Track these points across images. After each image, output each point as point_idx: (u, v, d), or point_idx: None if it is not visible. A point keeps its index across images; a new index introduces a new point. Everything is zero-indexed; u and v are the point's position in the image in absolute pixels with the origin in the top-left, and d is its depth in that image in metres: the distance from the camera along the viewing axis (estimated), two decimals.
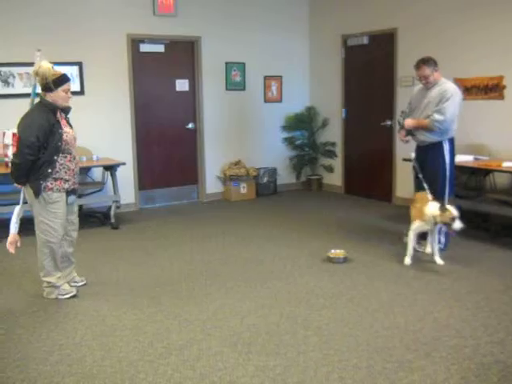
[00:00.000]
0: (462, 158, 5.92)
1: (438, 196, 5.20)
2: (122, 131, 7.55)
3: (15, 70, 6.80)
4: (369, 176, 8.30)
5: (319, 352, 3.42)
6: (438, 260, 5.12)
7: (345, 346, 3.50)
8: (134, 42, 7.60)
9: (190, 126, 8.29)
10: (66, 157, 4.19)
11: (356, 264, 5.16)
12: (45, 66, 4.11)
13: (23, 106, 6.71)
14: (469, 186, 6.25)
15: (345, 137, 8.70)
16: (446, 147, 5.31)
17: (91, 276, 4.84)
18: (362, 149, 8.43)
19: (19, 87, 6.86)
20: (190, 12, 7.92)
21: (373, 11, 7.90)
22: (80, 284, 4.61)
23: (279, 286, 4.62)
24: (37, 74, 4.12)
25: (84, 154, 6.91)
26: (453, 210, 4.77)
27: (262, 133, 8.84)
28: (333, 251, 5.31)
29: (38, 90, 4.34)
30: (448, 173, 5.32)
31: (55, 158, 4.11)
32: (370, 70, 8.14)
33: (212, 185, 8.51)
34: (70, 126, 4.38)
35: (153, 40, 7.78)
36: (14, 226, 4.25)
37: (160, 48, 7.86)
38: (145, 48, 7.72)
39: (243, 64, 8.51)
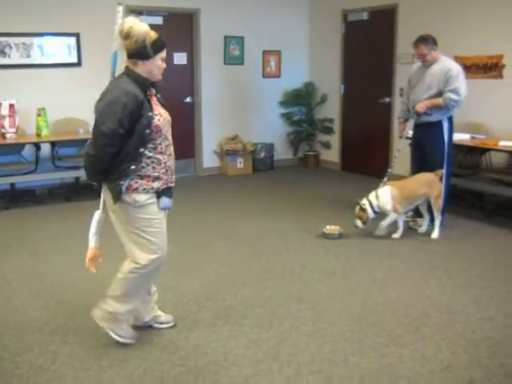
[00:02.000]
0: (458, 137, 5.92)
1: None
2: None
3: (12, 40, 6.74)
4: (366, 153, 8.30)
5: (312, 325, 3.47)
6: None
7: (337, 319, 3.55)
8: (133, 14, 7.48)
9: (188, 99, 8.25)
10: (155, 148, 3.04)
11: (350, 240, 5.20)
12: (140, 24, 3.03)
13: (20, 78, 6.78)
14: (465, 164, 6.26)
15: (343, 113, 8.69)
16: (446, 126, 5.31)
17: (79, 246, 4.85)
18: (359, 125, 8.42)
19: (16, 57, 6.80)
20: None
21: None
22: (166, 326, 3.47)
23: (274, 261, 4.66)
24: (127, 35, 2.97)
25: (81, 126, 6.91)
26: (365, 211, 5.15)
27: (259, 108, 8.80)
28: (328, 227, 5.35)
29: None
30: (446, 151, 5.33)
31: (141, 150, 2.96)
32: (369, 46, 8.09)
33: (209, 159, 8.51)
34: (163, 105, 3.25)
35: (151, 12, 7.70)
36: (93, 238, 3.24)
37: (158, 20, 7.78)
38: (143, 20, 7.55)
39: (242, 38, 8.44)
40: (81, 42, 7.16)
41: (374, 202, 5.17)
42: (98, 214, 3.27)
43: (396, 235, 5.26)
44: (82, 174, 6.88)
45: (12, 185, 6.74)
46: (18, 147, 6.63)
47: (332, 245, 5.08)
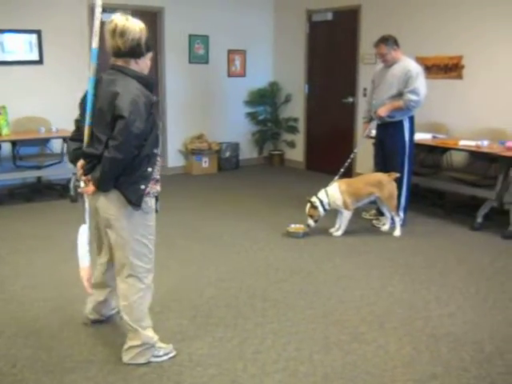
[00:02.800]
0: (420, 136, 6.02)
1: (397, 172, 5.33)
2: None
3: None
4: (330, 152, 8.37)
5: (277, 324, 3.49)
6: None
7: (302, 318, 3.58)
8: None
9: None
10: (157, 150, 2.93)
11: (315, 239, 5.24)
12: (134, 21, 2.82)
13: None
14: (426, 163, 6.38)
15: (307, 113, 8.74)
16: (406, 125, 5.39)
17: (53, 247, 4.79)
18: (323, 125, 8.49)
19: None
20: None
21: None
22: (116, 311, 3.44)
23: (238, 260, 4.67)
24: (122, 32, 2.76)
25: (43, 124, 6.79)
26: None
27: (225, 107, 8.80)
28: (292, 226, 5.38)
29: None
30: (407, 150, 5.42)
31: (155, 151, 2.87)
32: (333, 46, 8.17)
33: (174, 158, 8.47)
34: None
35: (114, 9, 7.60)
36: (85, 257, 3.10)
37: None
38: (105, 17, 7.50)
39: (207, 37, 8.42)
40: (42, 39, 7.03)
41: (325, 200, 5.25)
42: (85, 230, 3.11)
43: (337, 233, 5.34)
44: (43, 173, 6.78)
45: None
46: None
47: (297, 243, 5.11)
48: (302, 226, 5.38)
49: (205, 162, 8.40)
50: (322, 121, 8.52)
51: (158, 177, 2.97)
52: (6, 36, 6.83)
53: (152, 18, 7.97)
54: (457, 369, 2.98)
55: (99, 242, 3.22)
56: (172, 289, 4.04)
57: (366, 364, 3.03)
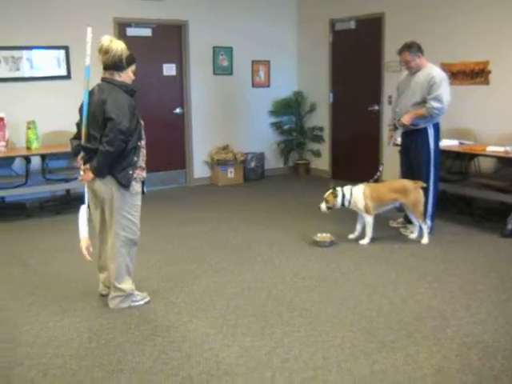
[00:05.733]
0: (447, 143, 5.97)
1: (423, 181, 5.29)
2: None
3: (1, 53, 6.75)
4: (356, 160, 8.34)
5: (304, 333, 3.48)
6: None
7: (329, 326, 3.56)
8: (121, 26, 7.55)
9: (178, 110, 8.28)
10: (141, 143, 3.72)
11: (342, 248, 5.22)
12: (117, 41, 3.65)
13: (9, 91, 6.78)
14: (453, 170, 6.31)
15: (332, 121, 8.73)
16: (431, 132, 5.35)
17: (70, 259, 4.85)
18: (349, 133, 8.47)
19: (5, 71, 6.81)
20: None
21: None
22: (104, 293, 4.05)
23: (265, 269, 4.67)
24: (107, 50, 3.58)
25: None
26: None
27: (249, 118, 8.84)
28: (319, 235, 5.37)
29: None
30: (433, 158, 5.37)
31: (139, 143, 3.66)
32: (357, 54, 8.16)
33: (200, 169, 8.52)
34: None
35: (140, 24, 7.74)
36: (85, 229, 3.80)
37: (147, 32, 7.83)
38: (132, 32, 7.69)
39: (231, 48, 8.49)
40: (70, 55, 7.17)
41: (347, 196, 5.28)
42: (85, 208, 3.84)
43: (364, 241, 5.31)
44: (72, 186, 6.88)
45: (2, 198, 6.73)
46: (7, 160, 6.61)
47: (323, 252, 5.10)
48: (328, 234, 5.37)
49: (230, 173, 8.44)
50: (347, 129, 8.50)
51: (144, 165, 3.76)
52: (35, 52, 6.99)
53: (177, 31, 8.08)
54: (487, 377, 2.93)
55: (101, 227, 3.90)
56: (200, 298, 4.06)
57: (394, 373, 3.00)
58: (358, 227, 5.41)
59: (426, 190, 5.33)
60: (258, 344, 3.34)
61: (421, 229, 5.37)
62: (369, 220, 5.29)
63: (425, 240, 5.29)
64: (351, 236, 5.45)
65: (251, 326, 3.60)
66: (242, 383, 2.92)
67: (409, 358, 3.14)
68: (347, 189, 5.32)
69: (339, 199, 5.27)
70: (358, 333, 3.47)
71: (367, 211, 5.26)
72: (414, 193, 5.21)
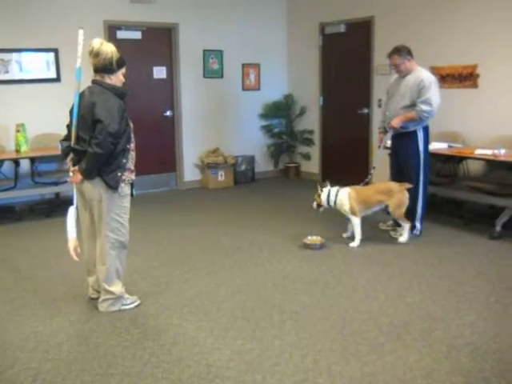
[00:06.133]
0: (436, 146, 6.01)
1: (412, 183, 5.32)
2: None
3: None
4: (346, 163, 8.37)
5: (294, 336, 3.49)
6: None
7: (319, 329, 3.57)
8: (111, 29, 7.54)
9: (168, 113, 8.27)
10: (130, 146, 3.73)
11: (332, 250, 5.23)
12: (108, 43, 3.65)
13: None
14: (443, 173, 6.34)
15: (322, 125, 8.76)
16: (420, 135, 5.38)
17: (60, 263, 4.83)
18: (339, 137, 8.49)
19: None
20: None
21: None
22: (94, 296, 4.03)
23: (256, 272, 4.68)
24: (97, 53, 3.59)
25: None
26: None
27: (239, 121, 8.85)
28: (309, 238, 5.38)
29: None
30: (422, 161, 5.40)
31: (128, 146, 3.67)
32: (347, 57, 8.19)
33: (190, 172, 8.52)
34: None
35: (130, 27, 7.73)
36: (74, 230, 3.82)
37: (137, 35, 7.82)
38: (122, 35, 7.68)
39: (221, 52, 8.49)
40: (59, 58, 7.14)
41: (332, 197, 5.38)
42: (73, 209, 3.85)
43: (353, 244, 5.34)
44: (62, 189, 6.85)
45: None
46: None
47: (314, 255, 5.11)
48: (318, 237, 5.38)
49: (221, 176, 8.44)
50: (337, 132, 8.52)
51: (133, 167, 3.77)
52: (24, 55, 6.97)
53: (167, 34, 8.08)
54: (477, 379, 2.95)
55: (90, 228, 3.88)
56: (190, 301, 4.05)
57: (384, 375, 3.01)
58: (350, 226, 5.47)
59: (415, 193, 5.38)
60: (249, 347, 3.34)
61: (411, 231, 5.43)
62: (355, 222, 5.32)
63: (403, 239, 5.40)
64: (344, 235, 5.54)
65: (242, 329, 3.60)
66: None
67: (399, 361, 3.16)
68: (334, 189, 5.40)
69: (323, 198, 5.38)
70: (348, 336, 3.48)
71: (353, 213, 5.31)
72: (399, 194, 5.28)
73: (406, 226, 5.38)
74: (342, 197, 5.33)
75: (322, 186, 5.48)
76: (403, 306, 3.92)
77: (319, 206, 5.47)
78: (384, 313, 3.82)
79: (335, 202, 5.35)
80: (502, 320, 3.68)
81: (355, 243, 5.33)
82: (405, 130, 5.37)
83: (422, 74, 5.27)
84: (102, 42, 3.65)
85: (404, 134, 5.40)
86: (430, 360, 3.16)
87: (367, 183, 5.65)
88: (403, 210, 5.31)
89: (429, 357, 3.20)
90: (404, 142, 5.45)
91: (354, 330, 3.56)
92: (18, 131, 6.53)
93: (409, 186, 5.30)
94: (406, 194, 5.29)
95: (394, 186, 5.34)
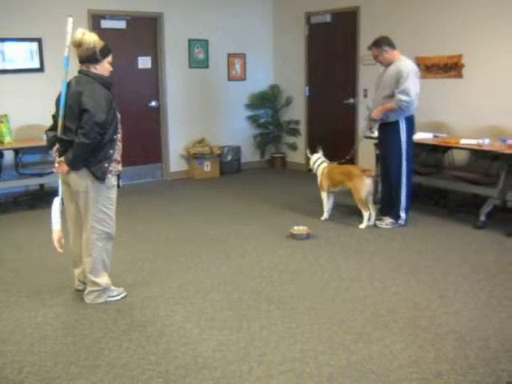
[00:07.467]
0: (421, 136, 6.03)
1: (395, 173, 5.36)
2: None
3: None
4: (332, 153, 8.32)
5: (281, 326, 3.49)
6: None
7: (306, 319, 3.58)
8: (95, 18, 7.46)
9: (153, 103, 8.22)
10: (117, 136, 3.68)
11: (318, 240, 5.25)
12: (89, 34, 3.61)
13: None
14: (428, 162, 6.38)
15: (308, 115, 8.76)
16: (403, 126, 5.38)
17: (45, 254, 4.80)
18: (325, 127, 8.50)
19: None
20: None
21: None
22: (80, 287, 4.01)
23: (242, 263, 4.68)
24: (79, 43, 3.56)
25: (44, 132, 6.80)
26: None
27: (225, 111, 8.82)
28: (296, 228, 5.39)
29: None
30: (404, 151, 5.41)
31: (115, 137, 3.63)
32: (333, 47, 8.19)
33: (176, 163, 8.48)
34: None
35: (114, 16, 7.65)
36: (58, 221, 3.78)
37: (122, 24, 7.74)
38: (106, 24, 7.60)
39: (206, 41, 8.45)
40: (43, 48, 7.06)
41: (316, 165, 5.95)
42: (58, 201, 3.81)
43: (323, 217, 5.84)
44: (46, 180, 6.79)
45: None
46: None
47: (300, 245, 5.12)
48: (305, 227, 5.39)
49: (207, 166, 8.41)
50: (323, 123, 8.53)
51: (119, 158, 3.74)
52: (7, 44, 6.87)
53: (151, 23, 8.01)
54: (462, 366, 2.98)
55: (76, 222, 3.86)
56: (176, 292, 4.05)
57: (371, 364, 3.03)
58: (327, 207, 5.87)
59: (398, 183, 5.43)
60: (236, 337, 3.35)
61: (395, 220, 5.52)
62: (322, 195, 5.85)
63: (362, 225, 5.56)
64: (322, 218, 5.86)
65: (228, 319, 3.60)
66: (220, 377, 2.92)
67: (385, 349, 3.18)
68: (319, 160, 5.94)
69: (311, 162, 6.00)
70: (335, 325, 3.49)
71: (321, 187, 5.83)
72: (357, 180, 5.49)
73: (365, 213, 5.56)
74: (319, 170, 5.87)
75: (313, 152, 6.03)
76: (389, 295, 3.95)
77: (310, 170, 6.09)
78: (370, 302, 3.84)
79: (315, 169, 5.92)
80: (487, 308, 3.71)
81: (324, 216, 5.84)
82: (387, 121, 5.39)
83: (402, 64, 5.26)
84: (84, 31, 3.61)
85: (387, 124, 5.43)
86: (416, 348, 3.19)
87: (350, 160, 6.08)
88: (362, 195, 5.49)
89: (414, 345, 3.22)
90: (387, 132, 5.48)
91: (341, 319, 3.58)
92: (1, 122, 6.43)
93: (371, 173, 5.53)
94: (367, 181, 5.49)
95: (356, 170, 5.62)
